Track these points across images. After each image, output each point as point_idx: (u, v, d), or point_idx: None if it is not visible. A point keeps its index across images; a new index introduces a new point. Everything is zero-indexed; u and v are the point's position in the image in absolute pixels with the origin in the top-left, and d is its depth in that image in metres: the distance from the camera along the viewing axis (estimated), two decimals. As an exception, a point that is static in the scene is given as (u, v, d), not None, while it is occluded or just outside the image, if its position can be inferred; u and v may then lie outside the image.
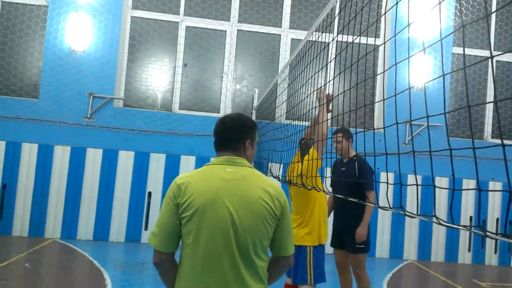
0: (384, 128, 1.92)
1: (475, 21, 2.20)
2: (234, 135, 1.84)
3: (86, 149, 7.14)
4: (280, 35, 8.03)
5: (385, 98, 2.03)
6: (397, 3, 1.86)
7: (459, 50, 8.01)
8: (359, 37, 2.56)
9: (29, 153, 7.05)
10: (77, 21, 7.28)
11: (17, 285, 4.83)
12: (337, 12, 3.28)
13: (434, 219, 1.40)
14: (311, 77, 3.92)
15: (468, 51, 8.07)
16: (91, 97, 7.25)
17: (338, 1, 3.16)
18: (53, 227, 7.02)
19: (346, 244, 4.14)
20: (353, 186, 3.94)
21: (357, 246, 4.03)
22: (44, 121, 7.06)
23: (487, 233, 1.20)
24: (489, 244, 7.80)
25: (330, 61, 3.36)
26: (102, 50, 7.35)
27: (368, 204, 3.94)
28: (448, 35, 1.54)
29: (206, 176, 1.76)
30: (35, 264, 5.64)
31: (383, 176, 6.73)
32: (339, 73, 2.80)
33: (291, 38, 8.01)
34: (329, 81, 3.53)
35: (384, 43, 2.11)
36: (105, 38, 7.37)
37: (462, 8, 7.97)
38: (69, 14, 7.28)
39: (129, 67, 7.72)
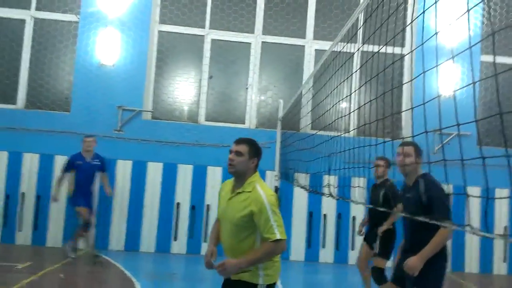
0: (412, 136, 1.90)
1: (503, 29, 2.16)
2: None
3: (116, 161, 7.31)
4: (304, 46, 8.06)
5: (413, 106, 2.01)
6: (424, 12, 1.86)
7: (487, 58, 7.83)
8: (385, 46, 2.56)
9: (61, 165, 7.27)
10: (106, 36, 7.53)
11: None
12: (361, 22, 3.28)
13: (468, 228, 1.37)
14: (336, 87, 3.92)
15: (497, 59, 7.86)
16: (121, 110, 7.45)
17: (362, 11, 3.17)
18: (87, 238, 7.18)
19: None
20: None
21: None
22: (75, 134, 7.29)
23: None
24: (526, 255, 7.51)
25: (355, 71, 3.36)
26: (131, 64, 7.56)
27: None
28: (477, 43, 1.53)
29: None
30: (69, 274, 5.78)
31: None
32: (365, 83, 2.80)
33: (315, 49, 8.02)
34: (354, 91, 3.52)
35: (411, 51, 2.10)
36: (133, 52, 7.58)
37: (490, 16, 7.81)
38: (99, 29, 7.54)
39: (156, 80, 7.90)
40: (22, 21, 7.73)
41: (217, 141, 7.54)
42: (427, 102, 1.92)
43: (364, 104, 3.10)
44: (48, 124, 7.37)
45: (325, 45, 7.78)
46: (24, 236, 7.18)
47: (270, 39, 8.03)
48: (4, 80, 7.71)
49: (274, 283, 2.68)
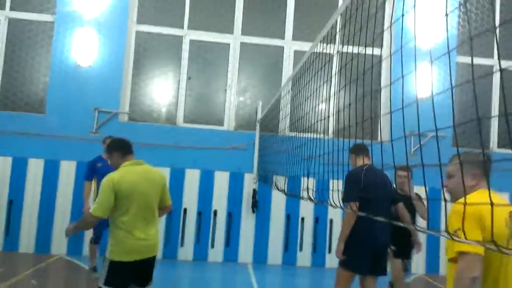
0: (391, 141, 1.91)
1: (483, 33, 2.20)
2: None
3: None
4: (283, 47, 8.06)
5: (392, 111, 2.02)
6: (403, 16, 1.87)
7: (463, 59, 8.00)
8: (364, 48, 2.57)
9: (35, 168, 7.08)
10: (83, 36, 7.37)
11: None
12: (339, 24, 3.29)
13: (446, 234, 1.38)
14: (316, 90, 3.92)
15: (474, 60, 8.04)
16: (97, 111, 7.30)
17: (341, 13, 3.18)
18: (59, 243, 7.00)
19: None
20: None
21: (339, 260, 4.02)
22: (50, 136, 7.10)
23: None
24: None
25: (335, 74, 3.37)
26: (108, 65, 7.42)
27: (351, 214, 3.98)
28: (456, 47, 1.54)
29: None
30: (41, 281, 5.61)
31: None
32: (344, 86, 2.81)
33: (294, 50, 8.04)
34: (334, 95, 3.53)
35: (391, 56, 2.11)
36: (110, 53, 7.43)
37: (468, 18, 7.98)
38: (75, 29, 7.37)
39: (134, 81, 7.77)
40: (-5, 21, 7.50)
41: (195, 143, 7.47)
42: (406, 106, 1.92)
43: (344, 108, 3.10)
44: (22, 126, 7.15)
45: (304, 45, 7.81)
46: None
47: (249, 39, 8.02)
48: (-25, 81, 7.47)
49: (121, 262, 3.13)
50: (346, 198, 3.92)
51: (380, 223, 3.57)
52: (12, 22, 7.55)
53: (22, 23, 7.58)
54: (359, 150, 4.20)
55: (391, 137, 1.83)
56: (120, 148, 3.39)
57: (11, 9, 7.54)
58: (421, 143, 7.43)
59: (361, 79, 2.93)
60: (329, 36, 3.47)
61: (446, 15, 1.43)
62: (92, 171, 5.83)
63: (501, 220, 1.81)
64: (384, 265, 4.10)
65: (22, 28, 7.58)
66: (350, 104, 2.75)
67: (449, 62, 1.43)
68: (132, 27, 7.75)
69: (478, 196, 1.99)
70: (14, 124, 7.15)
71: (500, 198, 2.06)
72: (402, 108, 1.81)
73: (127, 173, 3.24)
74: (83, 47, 7.34)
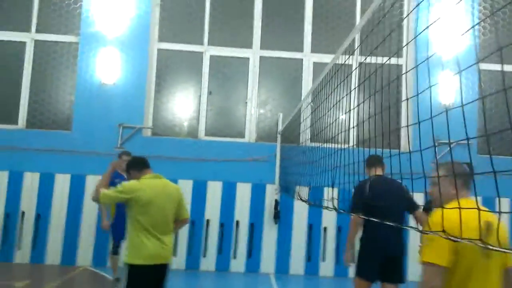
0: (420, 150, 1.93)
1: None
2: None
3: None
4: (302, 59, 8.14)
5: (420, 121, 2.05)
6: (428, 27, 1.91)
7: (485, 66, 7.87)
8: (383, 58, 2.61)
9: (62, 183, 7.28)
10: (106, 55, 7.61)
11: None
12: (359, 40, 3.33)
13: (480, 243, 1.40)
14: (338, 101, 3.97)
15: (494, 67, 7.90)
16: (121, 127, 7.48)
17: (359, 32, 3.22)
18: (85, 254, 7.14)
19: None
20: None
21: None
22: (76, 152, 7.30)
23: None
24: None
25: (355, 88, 3.41)
26: (131, 82, 7.63)
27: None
28: (487, 56, 1.57)
29: None
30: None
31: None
32: (367, 99, 2.84)
33: (314, 62, 8.10)
34: (354, 108, 3.57)
35: (416, 66, 2.15)
36: (133, 70, 7.65)
37: (497, 29, 7.91)
38: (99, 49, 7.62)
39: (156, 97, 7.96)
40: (23, 43, 7.82)
41: (217, 155, 7.56)
42: (435, 116, 1.96)
43: (368, 119, 3.13)
44: (49, 143, 7.39)
45: (323, 57, 7.88)
46: (22, 254, 7.16)
47: (268, 53, 8.12)
48: (5, 101, 7.76)
49: (138, 266, 3.36)
50: (351, 209, 4.17)
51: (389, 231, 3.68)
52: (38, 44, 7.86)
53: (48, 44, 7.88)
54: (370, 161, 4.40)
55: (420, 146, 1.86)
56: (136, 165, 3.73)
57: (37, 31, 7.86)
58: (446, 151, 7.35)
59: (382, 89, 2.96)
60: (348, 49, 3.51)
61: (473, 26, 1.47)
62: (110, 185, 5.97)
63: (472, 232, 1.76)
64: (401, 273, 4.20)
65: (48, 49, 7.88)
66: (373, 115, 2.79)
67: (478, 71, 1.47)
68: (154, 45, 7.96)
69: (455, 206, 1.92)
70: (41, 141, 7.39)
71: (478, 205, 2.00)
72: (431, 117, 1.85)
73: (146, 184, 3.55)
74: (107, 66, 7.58)
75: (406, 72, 7.11)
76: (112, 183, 6.03)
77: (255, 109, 8.04)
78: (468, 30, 1.54)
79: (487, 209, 1.76)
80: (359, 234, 4.47)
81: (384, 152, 2.60)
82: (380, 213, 3.83)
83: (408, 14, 7.68)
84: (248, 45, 8.11)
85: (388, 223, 2.60)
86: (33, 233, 7.20)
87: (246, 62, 8.10)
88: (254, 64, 8.08)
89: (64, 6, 7.94)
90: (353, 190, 4.39)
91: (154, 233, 3.44)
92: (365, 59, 2.75)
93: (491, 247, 1.50)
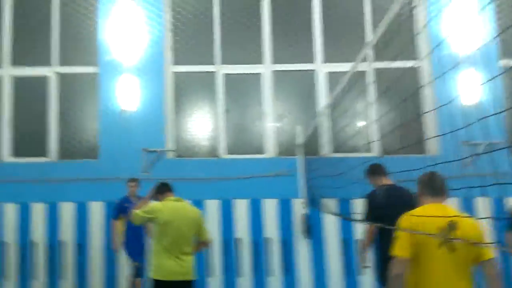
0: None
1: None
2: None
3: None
4: (314, 70, 8.24)
5: (446, 123, 2.14)
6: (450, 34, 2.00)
7: (506, 62, 7.66)
8: (398, 61, 2.72)
9: (96, 211, 7.54)
10: (125, 83, 7.86)
11: None
12: (372, 55, 3.41)
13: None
14: (358, 109, 4.07)
15: None
16: (145, 152, 7.70)
17: (379, 33, 3.26)
18: (122, 279, 7.33)
19: None
20: None
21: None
22: (104, 180, 7.53)
23: None
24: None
25: (375, 99, 3.52)
26: (150, 107, 7.86)
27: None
28: None
29: None
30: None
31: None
32: (398, 104, 2.95)
33: (327, 72, 8.18)
34: (381, 116, 3.67)
35: (445, 73, 2.25)
36: (151, 95, 7.89)
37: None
38: (117, 77, 7.88)
39: (176, 119, 8.16)
40: (46, 78, 8.15)
41: (240, 173, 7.68)
42: (486, 117, 1.97)
43: (396, 126, 3.24)
44: (79, 172, 7.66)
45: (336, 67, 7.97)
46: (66, 283, 7.42)
47: (280, 67, 8.26)
48: (35, 135, 8.08)
49: (160, 281, 3.82)
50: (365, 219, 4.48)
51: None
52: (60, 77, 8.16)
53: (69, 76, 8.17)
54: (374, 170, 4.67)
55: (450, 150, 1.93)
56: (159, 189, 4.32)
57: (58, 64, 8.17)
58: (476, 153, 7.28)
59: (400, 92, 3.05)
60: (364, 57, 3.54)
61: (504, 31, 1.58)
62: (119, 211, 6.37)
63: (431, 229, 2.44)
64: None
65: (70, 81, 8.18)
66: (397, 123, 2.90)
67: (501, 68, 1.57)
68: (169, 68, 8.19)
69: (419, 211, 2.67)
70: (71, 171, 7.67)
71: (443, 209, 2.64)
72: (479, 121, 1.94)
73: (166, 206, 4.06)
74: (126, 93, 7.83)
75: (435, 79, 7.12)
76: (122, 207, 6.41)
77: (272, 123, 8.17)
78: (485, 27, 1.65)
79: (448, 212, 2.57)
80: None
81: (416, 158, 2.70)
82: (390, 221, 3.94)
83: (411, 15, 7.73)
84: (260, 60, 8.27)
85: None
86: (75, 262, 7.44)
87: (260, 78, 8.26)
88: (267, 79, 8.23)
89: (82, 38, 8.23)
90: (364, 199, 4.62)
91: (173, 252, 3.86)
92: (385, 64, 2.86)
93: (444, 240, 2.28)
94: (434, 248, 2.49)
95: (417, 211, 2.66)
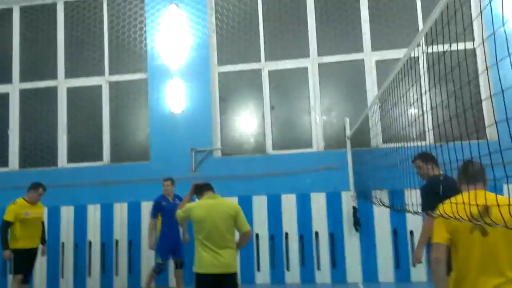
0: None
1: None
2: None
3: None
4: (363, 59, 7.96)
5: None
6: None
7: None
8: (454, 43, 2.50)
9: (148, 211, 7.73)
10: (173, 86, 8.06)
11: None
12: (426, 32, 3.19)
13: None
14: (411, 98, 3.83)
15: None
16: (193, 151, 7.82)
17: (423, 37, 3.08)
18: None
19: None
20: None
21: None
22: (156, 180, 7.73)
23: None
24: None
25: (432, 86, 3.29)
26: (197, 108, 7.98)
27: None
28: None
29: None
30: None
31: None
32: (448, 96, 2.73)
33: (376, 60, 7.88)
34: (435, 107, 3.43)
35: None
36: (198, 96, 8.01)
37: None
38: (166, 81, 8.10)
39: (222, 118, 8.22)
40: (99, 86, 8.56)
41: (287, 168, 7.57)
42: None
43: (449, 116, 3.02)
44: (132, 174, 7.93)
45: (386, 54, 7.68)
46: (120, 280, 7.71)
47: (326, 59, 8.06)
48: (91, 141, 8.50)
49: (201, 274, 4.01)
50: (424, 207, 4.18)
51: None
52: (112, 85, 8.53)
53: (121, 84, 8.52)
54: (427, 157, 4.40)
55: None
56: (198, 189, 4.57)
57: (110, 74, 8.57)
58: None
59: (456, 78, 2.84)
60: (420, 40, 3.34)
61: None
62: (158, 209, 6.52)
63: (464, 216, 2.45)
64: None
65: (122, 88, 8.52)
66: (451, 116, 2.67)
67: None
68: (214, 70, 8.28)
69: (455, 199, 2.74)
70: (125, 173, 7.96)
71: (479, 195, 2.62)
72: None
73: (200, 204, 4.34)
74: (174, 96, 8.02)
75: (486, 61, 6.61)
76: (159, 206, 6.61)
77: (320, 117, 7.99)
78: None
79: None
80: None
81: (475, 144, 2.47)
82: None
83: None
84: (305, 54, 8.13)
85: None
86: (128, 259, 7.74)
87: (305, 72, 8.11)
88: (313, 72, 8.06)
89: (131, 47, 8.57)
90: (420, 189, 4.37)
91: (210, 246, 4.05)
92: (433, 47, 2.66)
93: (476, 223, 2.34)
94: (467, 233, 2.63)
95: (453, 199, 2.76)
